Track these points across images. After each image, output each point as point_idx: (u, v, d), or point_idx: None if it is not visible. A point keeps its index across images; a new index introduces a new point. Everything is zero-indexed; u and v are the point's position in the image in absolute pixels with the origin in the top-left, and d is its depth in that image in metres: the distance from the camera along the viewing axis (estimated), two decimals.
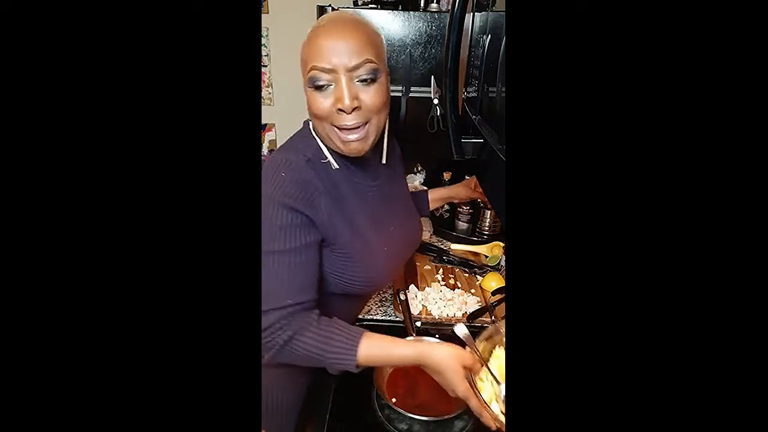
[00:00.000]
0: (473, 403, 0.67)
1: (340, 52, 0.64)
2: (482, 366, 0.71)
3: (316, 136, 0.75)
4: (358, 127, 0.68)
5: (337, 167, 0.74)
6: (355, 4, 1.42)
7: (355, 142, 0.69)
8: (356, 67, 0.65)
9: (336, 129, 0.68)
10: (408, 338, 0.88)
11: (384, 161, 0.81)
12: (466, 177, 1.27)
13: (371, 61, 0.65)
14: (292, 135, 0.79)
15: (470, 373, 0.68)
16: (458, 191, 1.18)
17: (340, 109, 0.65)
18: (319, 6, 1.24)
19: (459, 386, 0.67)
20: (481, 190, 1.11)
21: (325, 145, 0.74)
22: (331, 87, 0.66)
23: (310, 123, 0.75)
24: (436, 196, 1.18)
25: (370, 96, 0.67)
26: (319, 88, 0.66)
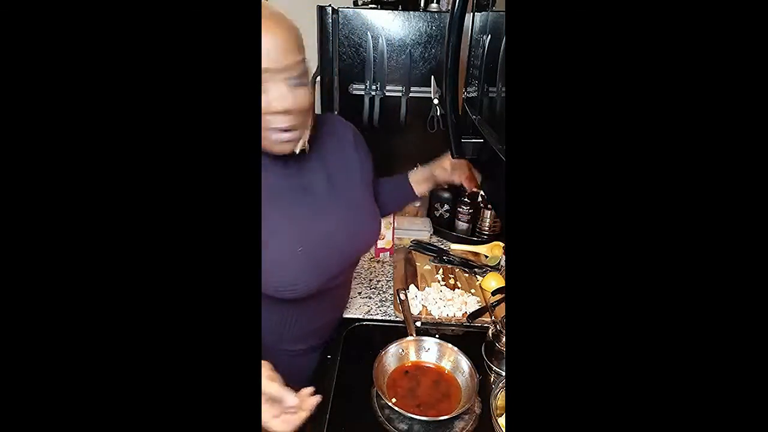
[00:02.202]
0: None
1: None
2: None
3: None
4: None
5: None
6: (355, 4, 1.42)
7: None
8: None
9: None
10: (408, 338, 0.88)
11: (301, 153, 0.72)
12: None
13: None
14: None
15: None
16: (438, 172, 1.01)
17: None
18: (319, 6, 1.24)
19: None
20: (459, 174, 0.98)
21: None
22: None
23: None
24: (418, 178, 1.03)
25: None
26: None
